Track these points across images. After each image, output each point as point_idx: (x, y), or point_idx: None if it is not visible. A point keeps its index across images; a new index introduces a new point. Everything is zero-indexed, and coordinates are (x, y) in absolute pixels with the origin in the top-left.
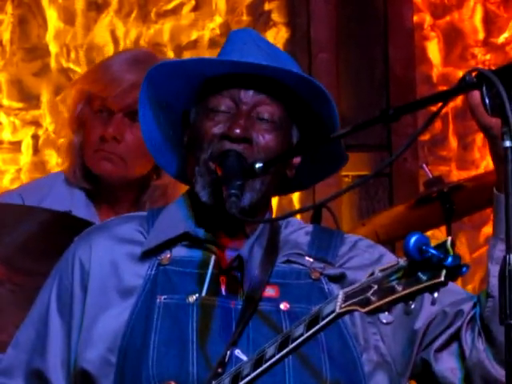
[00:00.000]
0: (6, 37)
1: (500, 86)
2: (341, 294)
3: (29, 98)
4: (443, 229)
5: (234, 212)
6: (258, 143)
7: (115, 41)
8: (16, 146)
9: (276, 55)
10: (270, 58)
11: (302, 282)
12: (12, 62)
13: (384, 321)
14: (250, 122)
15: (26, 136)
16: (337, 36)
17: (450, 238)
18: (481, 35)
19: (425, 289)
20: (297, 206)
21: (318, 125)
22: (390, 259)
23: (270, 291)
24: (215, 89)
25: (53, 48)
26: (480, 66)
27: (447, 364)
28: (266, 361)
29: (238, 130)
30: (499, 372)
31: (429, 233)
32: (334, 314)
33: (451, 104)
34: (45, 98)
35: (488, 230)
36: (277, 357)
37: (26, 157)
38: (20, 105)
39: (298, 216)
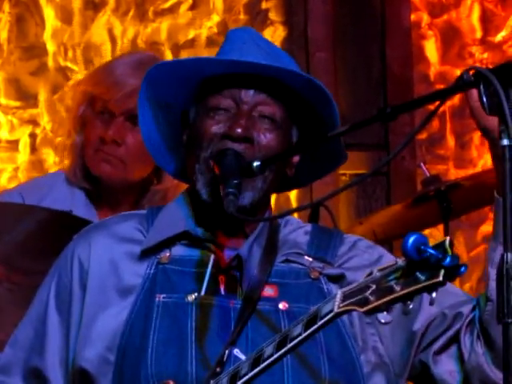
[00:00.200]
0: (4, 35)
1: (497, 84)
2: (339, 294)
3: (26, 97)
4: (441, 227)
5: (232, 211)
6: (260, 143)
7: (112, 40)
8: (13, 144)
9: (276, 54)
10: (270, 58)
11: (301, 281)
12: (9, 61)
13: (382, 321)
14: (251, 122)
15: (23, 135)
16: (334, 35)
17: (448, 238)
18: (478, 34)
19: (423, 289)
20: (294, 204)
21: (318, 124)
22: (389, 260)
23: (268, 291)
24: (215, 88)
25: (50, 47)
26: (477, 64)
27: (446, 367)
28: (264, 360)
29: (239, 130)
30: (498, 376)
31: (426, 231)
32: (332, 314)
33: (449, 103)
34: (42, 96)
35: (485, 228)
36: (275, 356)
37: (23, 155)
38: (17, 103)
39: (296, 214)
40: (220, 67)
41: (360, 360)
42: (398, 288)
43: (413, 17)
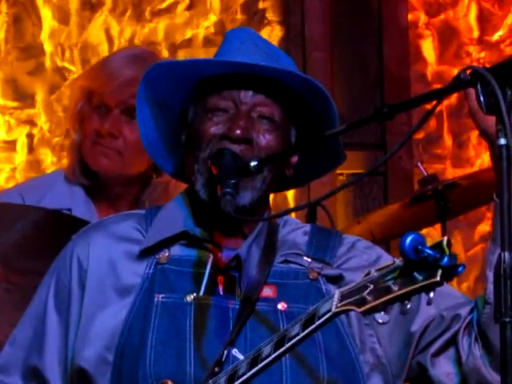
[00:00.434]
0: (1, 36)
1: (494, 83)
2: (337, 294)
3: (23, 97)
4: (438, 227)
5: (229, 210)
6: (259, 143)
7: (110, 40)
8: (11, 144)
9: (275, 55)
10: (269, 58)
11: (300, 282)
12: (7, 61)
13: (380, 320)
14: (251, 123)
15: (20, 135)
16: (331, 34)
17: (446, 238)
18: (475, 33)
19: (420, 289)
20: (292, 204)
21: (317, 124)
22: (387, 260)
23: (267, 291)
24: (213, 89)
25: (47, 47)
26: (475, 63)
27: (443, 368)
28: (262, 360)
29: (238, 131)
30: (495, 378)
31: (424, 231)
32: (329, 314)
33: (446, 102)
34: (39, 96)
35: (483, 227)
36: (273, 356)
37: (20, 156)
38: (15, 104)
39: (293, 214)
40: (218, 68)
41: (359, 359)
42: (395, 288)
43: (410, 16)
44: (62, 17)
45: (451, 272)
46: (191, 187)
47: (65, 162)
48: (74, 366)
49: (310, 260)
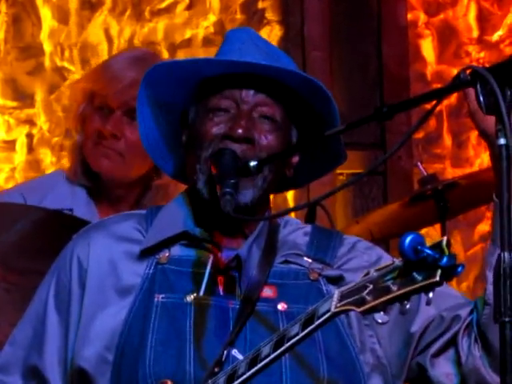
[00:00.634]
0: (0, 36)
1: (494, 83)
2: (336, 294)
3: (23, 97)
4: (437, 227)
5: (229, 210)
6: (260, 143)
7: (109, 39)
8: (10, 144)
9: (275, 54)
10: (269, 58)
11: (300, 282)
12: (6, 61)
13: (379, 321)
14: (252, 123)
15: (20, 135)
16: (330, 34)
17: (445, 238)
18: (475, 33)
19: (420, 289)
20: (291, 204)
21: (318, 124)
22: (387, 261)
23: (267, 291)
24: (214, 89)
25: (47, 47)
26: (474, 63)
27: (443, 369)
28: (261, 360)
29: (240, 131)
30: (494, 379)
31: (423, 231)
32: (329, 314)
33: (445, 102)
34: (39, 96)
35: (483, 227)
36: (272, 356)
37: (20, 156)
38: (14, 103)
39: (293, 214)
40: (219, 68)
41: (360, 360)
42: (394, 288)
43: (409, 16)
44: (62, 16)
45: (450, 272)
46: (192, 187)
47: (64, 161)
48: (73, 366)
49: (310, 261)
